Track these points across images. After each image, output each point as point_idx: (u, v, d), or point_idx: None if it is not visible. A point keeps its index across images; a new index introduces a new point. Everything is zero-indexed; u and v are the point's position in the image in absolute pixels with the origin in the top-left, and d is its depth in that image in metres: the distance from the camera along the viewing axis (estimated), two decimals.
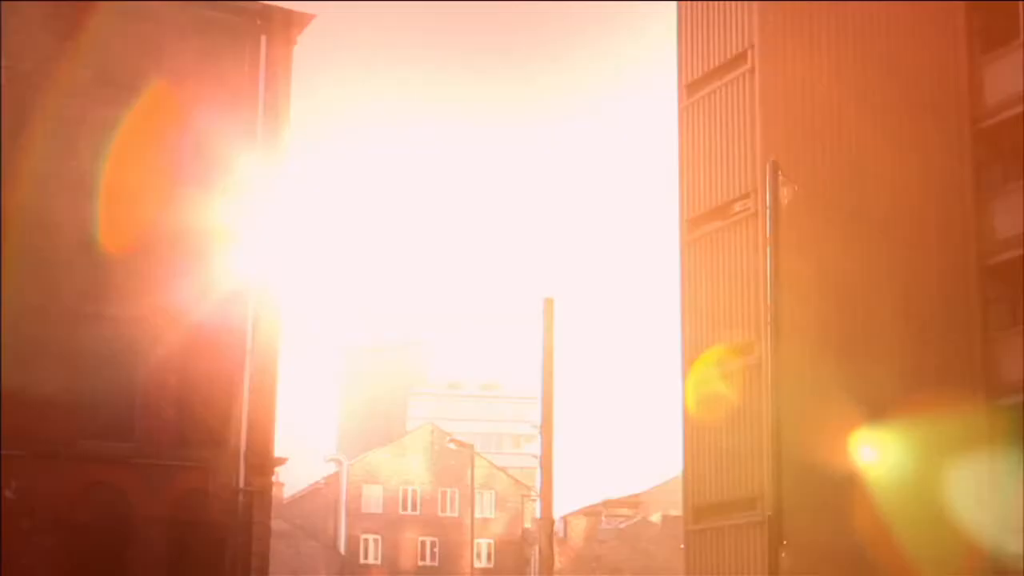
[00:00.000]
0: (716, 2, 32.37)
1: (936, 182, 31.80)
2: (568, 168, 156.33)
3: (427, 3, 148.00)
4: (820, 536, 28.19)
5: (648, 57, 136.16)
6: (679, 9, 33.61)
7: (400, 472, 75.84)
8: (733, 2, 31.77)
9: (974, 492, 29.03)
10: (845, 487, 28.71)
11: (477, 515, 71.68)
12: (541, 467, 26.54)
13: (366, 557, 74.42)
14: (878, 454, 28.63)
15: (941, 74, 32.16)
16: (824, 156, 31.00)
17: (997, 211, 31.43)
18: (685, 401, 32.42)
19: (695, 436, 32.02)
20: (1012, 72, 30.98)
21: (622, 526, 76.05)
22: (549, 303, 26.40)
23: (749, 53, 31.14)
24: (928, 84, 32.05)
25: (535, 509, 68.35)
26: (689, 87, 33.04)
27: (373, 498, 75.24)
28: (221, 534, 29.85)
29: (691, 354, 32.34)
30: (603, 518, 76.54)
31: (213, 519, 29.86)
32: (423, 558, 75.11)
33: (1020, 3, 31.14)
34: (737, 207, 31.10)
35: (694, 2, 33.08)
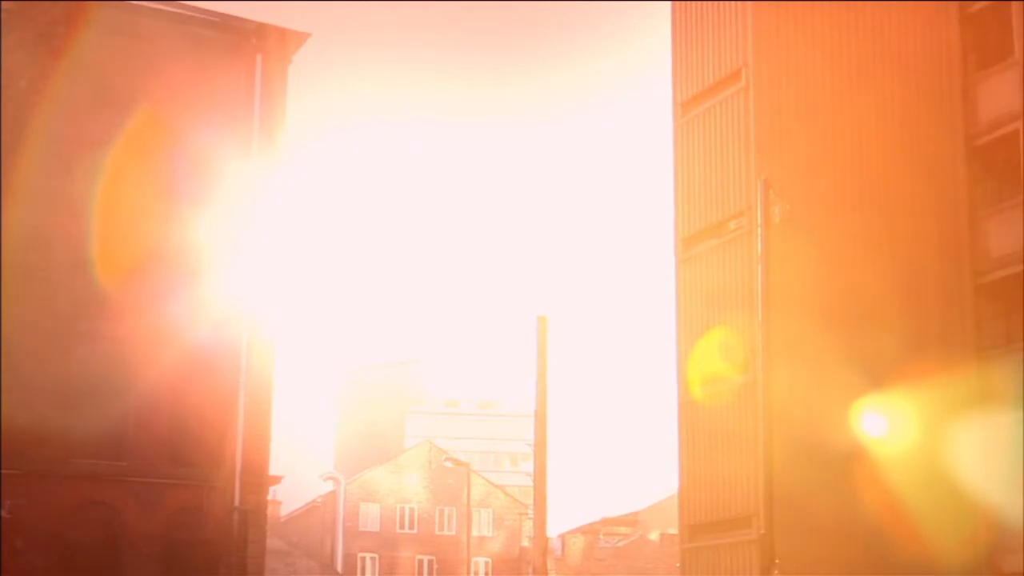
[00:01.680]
0: (710, 21, 32.45)
1: (931, 200, 31.84)
2: (563, 184, 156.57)
3: (422, 12, 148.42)
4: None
5: (647, 60, 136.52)
6: (672, 28, 33.70)
7: (398, 490, 75.77)
8: (727, 20, 31.85)
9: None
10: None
11: (475, 533, 71.65)
12: (535, 485, 26.58)
13: (363, 575, 74.35)
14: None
15: (935, 92, 32.22)
16: (818, 174, 31.03)
17: (991, 229, 31.45)
18: (680, 417, 32.44)
19: (691, 455, 32.01)
20: (1006, 90, 31.05)
21: (620, 544, 75.95)
22: (543, 321, 26.45)
23: (743, 71, 31.21)
24: (922, 102, 32.11)
25: (533, 527, 68.31)
26: (684, 105, 33.10)
27: (370, 516, 75.15)
28: (216, 552, 29.81)
29: (687, 372, 32.36)
30: (601, 536, 76.45)
31: (208, 537, 29.82)
32: None
33: (1014, 21, 31.22)
34: (732, 225, 31.13)
35: (687, 22, 33.16)
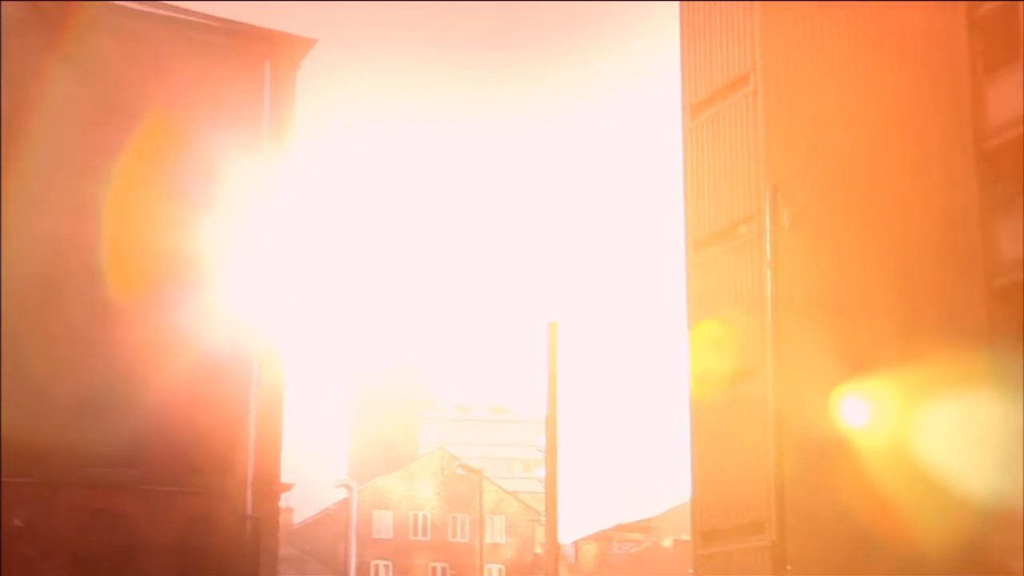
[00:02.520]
0: (718, 23, 32.40)
1: (941, 203, 31.71)
2: (573, 187, 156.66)
3: (427, 15, 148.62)
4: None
5: (655, 60, 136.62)
6: (681, 30, 33.65)
7: (410, 497, 75.76)
8: (735, 23, 31.80)
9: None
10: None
11: (488, 540, 71.60)
12: (546, 492, 26.53)
13: None
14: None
15: (944, 95, 32.08)
16: (828, 177, 30.93)
17: (1002, 232, 31.31)
18: (693, 422, 32.37)
19: (703, 460, 31.92)
20: (1015, 93, 30.90)
21: (634, 551, 75.86)
22: (553, 327, 26.39)
23: (752, 75, 31.14)
24: (931, 105, 31.97)
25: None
26: (692, 108, 33.05)
27: (383, 523, 75.14)
28: (228, 560, 29.84)
29: (699, 377, 32.28)
30: (614, 543, 76.36)
31: (220, 545, 29.86)
32: None
33: (1022, 24, 31.10)
34: (742, 229, 31.03)
35: (696, 23, 33.12)
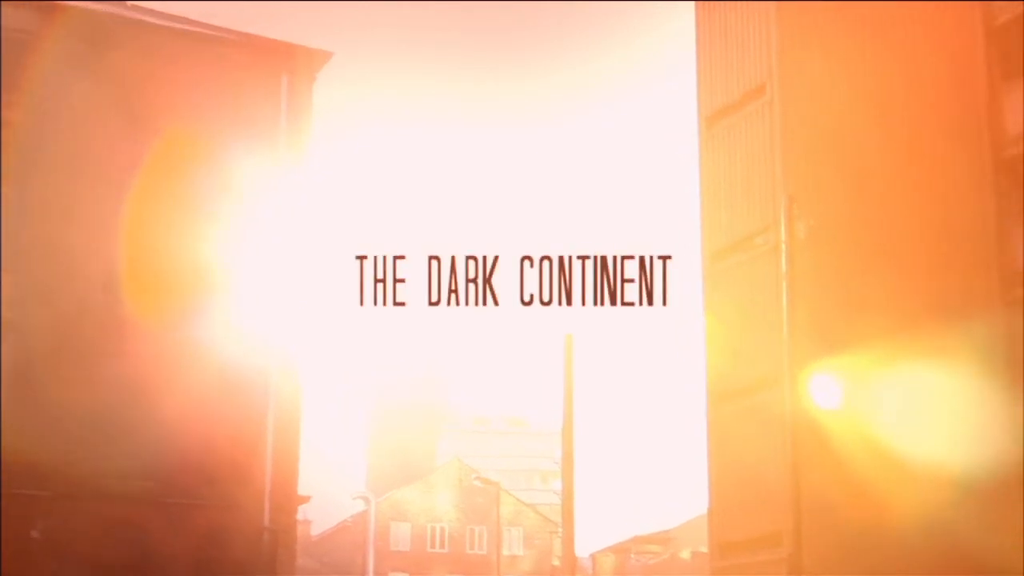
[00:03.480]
0: (734, 31, 32.43)
1: (958, 212, 31.64)
2: (576, 190, 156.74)
3: (438, 18, 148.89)
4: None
5: (659, 62, 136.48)
6: (697, 38, 33.69)
7: (428, 509, 75.77)
8: (751, 32, 31.83)
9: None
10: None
11: (506, 552, 71.56)
12: (562, 503, 26.47)
13: None
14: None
15: (961, 103, 32.02)
16: (845, 187, 30.90)
17: (1019, 242, 31.23)
18: (710, 433, 32.34)
19: (720, 472, 31.89)
20: None
21: (651, 563, 75.63)
22: (569, 339, 26.32)
23: (768, 85, 31.15)
24: (948, 113, 31.92)
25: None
26: (708, 119, 33.08)
27: (401, 535, 75.16)
28: (245, 573, 29.85)
29: (716, 389, 32.27)
30: (632, 555, 76.15)
31: (237, 557, 29.86)
32: None
33: None
34: (758, 240, 31.03)
35: (712, 31, 33.16)
